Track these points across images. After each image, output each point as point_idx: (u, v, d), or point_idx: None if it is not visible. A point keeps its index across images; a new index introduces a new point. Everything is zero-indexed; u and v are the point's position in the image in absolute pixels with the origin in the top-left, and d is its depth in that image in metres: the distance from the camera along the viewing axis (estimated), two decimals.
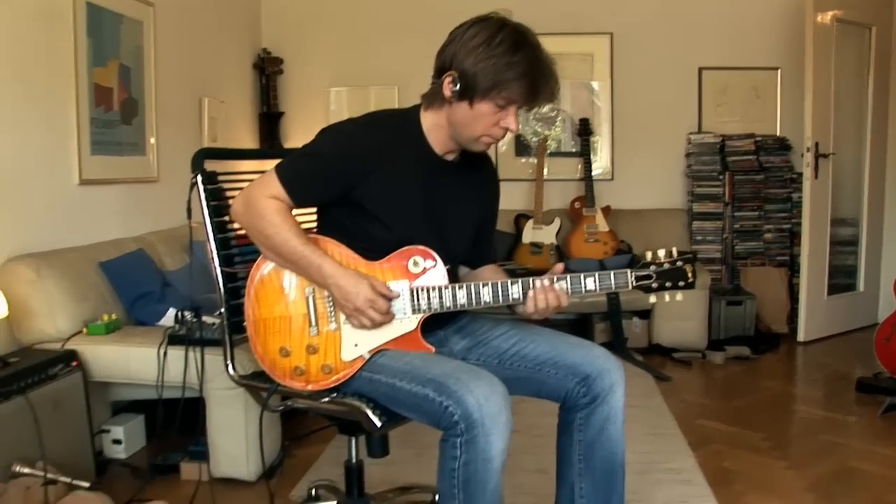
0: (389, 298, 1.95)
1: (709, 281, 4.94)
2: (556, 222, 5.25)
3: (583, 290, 1.97)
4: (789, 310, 5.27)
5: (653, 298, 2.02)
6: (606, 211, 5.29)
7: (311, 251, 1.94)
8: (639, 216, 5.43)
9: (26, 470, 2.47)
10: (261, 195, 1.95)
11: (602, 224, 5.22)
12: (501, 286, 1.97)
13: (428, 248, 1.98)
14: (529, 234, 5.21)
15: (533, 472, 3.01)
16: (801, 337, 5.04)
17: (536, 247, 5.15)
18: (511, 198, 5.50)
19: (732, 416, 3.70)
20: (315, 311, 1.99)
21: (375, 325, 1.94)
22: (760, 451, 3.24)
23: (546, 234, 5.21)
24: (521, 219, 5.28)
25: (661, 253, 2.00)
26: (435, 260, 1.98)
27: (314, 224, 2.16)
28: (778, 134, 5.53)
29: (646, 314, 4.94)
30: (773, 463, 3.11)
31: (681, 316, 4.80)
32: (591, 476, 2.07)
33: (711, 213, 5.46)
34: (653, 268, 1.99)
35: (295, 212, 2.02)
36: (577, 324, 5.10)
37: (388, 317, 1.95)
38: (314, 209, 2.16)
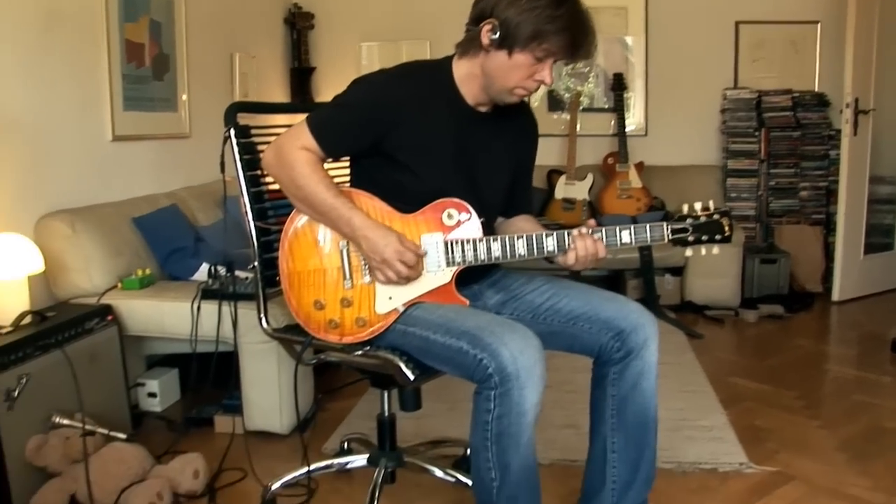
0: (417, 255, 1.95)
1: (742, 238, 4.90)
2: (589, 178, 5.22)
3: (618, 242, 1.96)
4: (824, 269, 5.20)
5: (689, 252, 2.00)
6: (640, 167, 5.25)
7: (342, 203, 1.94)
8: (672, 172, 5.37)
9: (65, 421, 2.53)
10: (292, 146, 1.95)
11: (635, 180, 5.18)
12: (536, 239, 1.96)
13: (462, 200, 1.98)
14: (562, 189, 5.19)
15: (564, 428, 3.02)
16: (835, 296, 4.99)
17: (569, 203, 5.13)
18: (543, 153, 5.32)
19: (765, 374, 3.68)
20: (349, 264, 2.00)
21: (402, 278, 1.94)
22: (793, 410, 3.22)
23: (578, 190, 5.18)
24: (553, 174, 5.25)
25: (698, 206, 1.98)
26: (469, 212, 1.98)
27: (347, 179, 2.17)
28: (816, 89, 5.42)
29: (678, 271, 4.91)
30: (805, 422, 3.10)
31: (714, 273, 4.78)
32: (623, 431, 2.08)
33: (746, 170, 5.39)
34: (689, 221, 1.96)
35: (329, 167, 2.02)
36: (609, 280, 5.08)
37: (415, 271, 1.95)
38: (347, 163, 2.17)
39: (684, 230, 1.97)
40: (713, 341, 4.26)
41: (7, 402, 2.35)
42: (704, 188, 5.28)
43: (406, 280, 1.95)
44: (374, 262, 1.94)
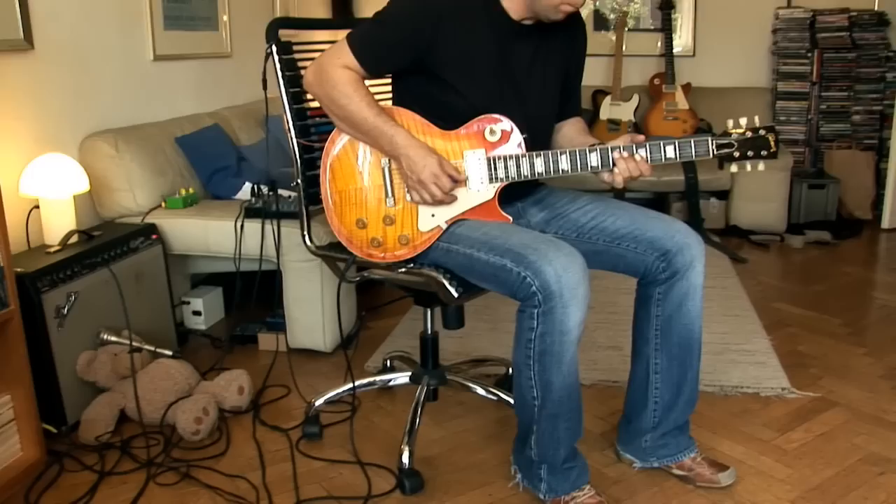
0: (455, 180, 1.94)
1: (791, 163, 4.80)
2: (635, 99, 5.14)
3: (662, 157, 1.93)
4: (874, 196, 5.10)
5: (734, 168, 1.98)
6: (686, 88, 5.14)
7: (384, 121, 1.92)
8: (720, 94, 5.26)
9: (113, 338, 2.59)
10: (333, 65, 1.94)
11: (682, 102, 5.09)
12: (580, 154, 1.94)
13: (505, 116, 1.95)
14: (607, 110, 5.12)
15: (606, 349, 3.02)
16: (885, 224, 4.91)
17: (614, 124, 5.06)
18: (588, 73, 5.24)
19: (810, 300, 3.65)
20: (391, 181, 1.99)
21: (435, 201, 1.94)
22: (837, 337, 3.19)
23: (624, 111, 5.10)
24: (598, 95, 5.18)
25: (743, 121, 1.94)
26: (512, 128, 1.95)
27: (389, 97, 2.15)
28: (875, 8, 5.23)
29: (724, 195, 4.84)
30: (849, 349, 3.07)
31: (760, 198, 4.72)
32: (667, 351, 2.08)
33: (797, 93, 5.26)
34: (734, 136, 1.93)
35: (371, 84, 2.00)
36: (653, 203, 5.01)
37: (449, 196, 1.94)
38: (389, 81, 2.14)
39: (730, 145, 1.94)
40: (758, 266, 4.22)
41: (57, 318, 2.41)
42: (753, 110, 5.05)
43: (438, 203, 1.95)
44: (411, 182, 1.94)
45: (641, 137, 1.97)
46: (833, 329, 3.28)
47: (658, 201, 5.00)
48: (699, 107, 5.15)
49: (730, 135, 1.94)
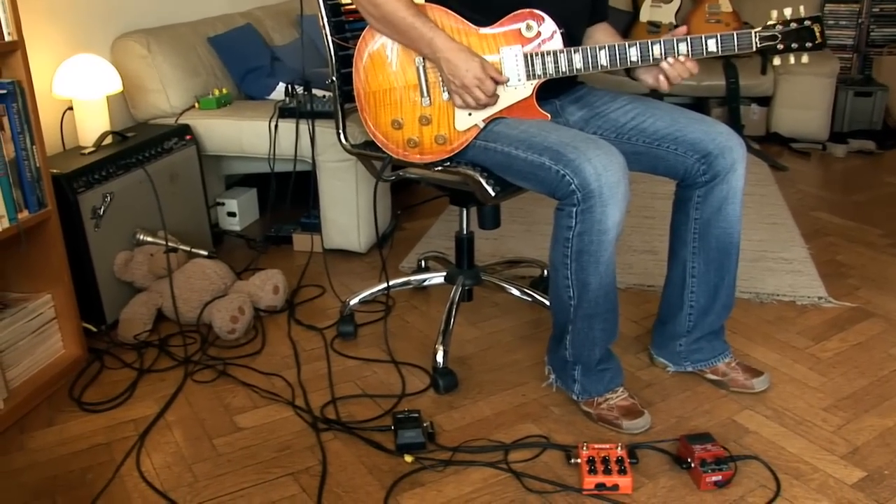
0: (498, 82, 1.91)
1: (837, 69, 4.65)
2: (676, 1, 4.99)
3: (703, 51, 1.88)
4: None
5: (777, 60, 1.92)
6: None
7: (423, 23, 1.88)
8: None
9: (149, 239, 2.62)
10: None
11: (725, 4, 4.94)
12: (619, 49, 1.89)
13: (541, 10, 1.90)
14: (647, 12, 4.99)
15: (643, 253, 3.01)
16: None
17: (654, 26, 4.93)
18: None
19: (850, 210, 3.59)
20: (426, 80, 1.96)
21: (479, 105, 1.91)
22: (877, 247, 3.15)
23: (665, 13, 4.97)
24: None
25: (788, 11, 1.88)
26: (550, 23, 1.90)
27: None
28: None
29: (765, 101, 4.74)
30: (889, 260, 3.03)
31: (803, 105, 4.62)
32: (704, 255, 2.06)
33: None
34: (779, 27, 1.88)
35: None
36: (692, 107, 4.90)
37: (493, 99, 1.91)
38: None
39: (773, 37, 1.88)
40: (798, 174, 4.15)
41: (94, 219, 2.43)
42: (805, 12, 5.00)
43: (483, 106, 1.92)
44: (454, 87, 1.91)
45: (684, 29, 1.92)
46: (873, 239, 3.24)
47: (698, 106, 4.91)
48: (743, 8, 5.00)
49: (774, 26, 1.88)
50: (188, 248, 2.65)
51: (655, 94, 4.50)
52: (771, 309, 2.61)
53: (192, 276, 2.54)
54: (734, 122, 4.64)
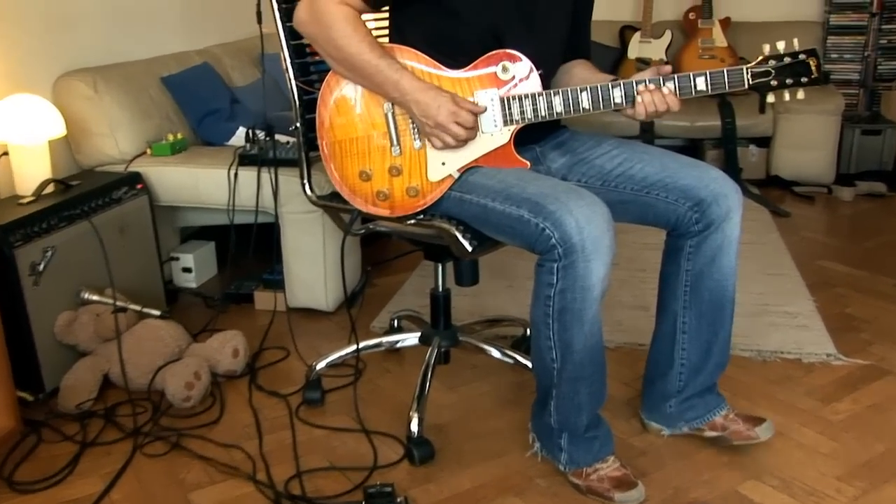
0: (474, 113, 1.94)
1: (842, 105, 4.73)
2: (667, 36, 5.11)
3: (692, 90, 1.93)
4: None
5: (771, 98, 1.96)
6: (725, 23, 5.11)
7: (388, 64, 1.92)
8: (763, 30, 5.15)
9: (95, 297, 2.61)
10: (328, 1, 1.93)
11: (719, 38, 5.05)
12: (602, 90, 1.94)
13: (517, 51, 1.95)
14: (636, 48, 5.10)
15: (633, 309, 3.05)
16: None
17: (644, 63, 5.02)
18: (615, 6, 5.35)
19: (860, 258, 3.64)
20: (396, 128, 2.00)
21: (460, 141, 1.93)
22: (890, 298, 3.18)
23: (655, 49, 5.08)
24: (626, 31, 5.15)
25: (781, 45, 1.93)
26: (526, 64, 1.95)
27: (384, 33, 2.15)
28: None
29: (764, 142, 4.82)
30: None
31: (805, 145, 4.69)
32: (696, 309, 2.10)
33: (852, 27, 5.18)
34: (771, 63, 1.93)
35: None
36: (686, 150, 4.97)
37: (472, 132, 1.94)
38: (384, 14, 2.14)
39: (766, 73, 1.93)
40: (802, 220, 4.21)
41: (32, 276, 2.42)
42: (802, 47, 5.10)
43: (464, 143, 1.95)
44: (428, 128, 1.94)
45: (668, 69, 1.96)
46: (885, 290, 3.27)
47: (691, 148, 4.98)
48: (739, 44, 5.10)
49: (766, 62, 1.93)
50: (138, 308, 2.64)
51: (645, 136, 4.58)
52: (775, 367, 2.63)
53: (143, 339, 2.54)
54: (731, 165, 4.70)
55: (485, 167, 1.99)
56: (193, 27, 3.89)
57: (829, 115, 4.67)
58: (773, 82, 1.94)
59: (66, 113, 2.88)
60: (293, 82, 2.22)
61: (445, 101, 1.90)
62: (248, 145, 3.03)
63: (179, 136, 3.17)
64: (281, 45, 2.21)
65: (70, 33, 3.16)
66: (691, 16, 5.15)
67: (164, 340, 2.55)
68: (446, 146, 1.95)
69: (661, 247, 2.15)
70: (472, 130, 1.94)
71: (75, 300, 2.60)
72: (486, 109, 1.95)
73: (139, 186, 2.93)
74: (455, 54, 1.97)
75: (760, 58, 1.94)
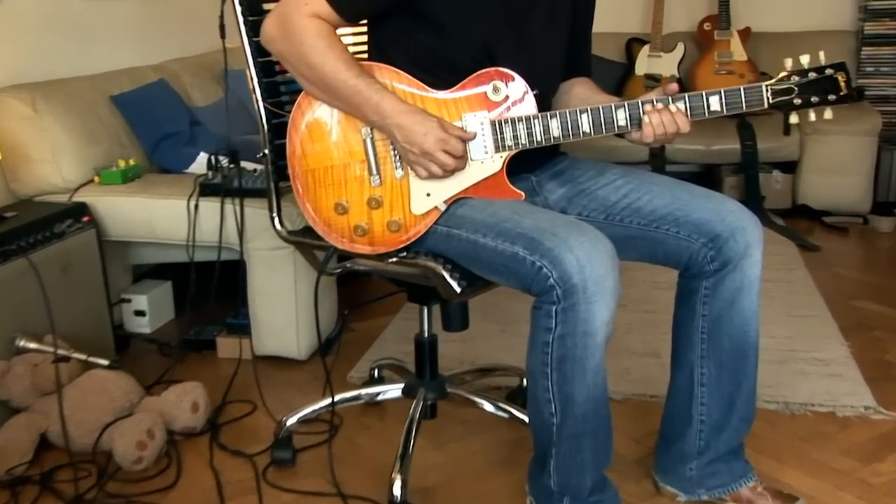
0: (464, 140, 1.95)
1: (879, 124, 4.75)
2: (679, 49, 5.16)
3: (705, 111, 1.95)
4: None
5: (794, 118, 1.98)
6: (745, 34, 5.15)
7: (367, 84, 1.94)
8: (788, 41, 5.21)
9: (33, 345, 2.61)
10: (299, 14, 1.94)
11: (738, 51, 5.09)
12: (604, 112, 1.96)
13: (510, 69, 1.97)
14: (644, 63, 5.14)
15: (643, 356, 3.08)
16: None
17: (653, 80, 5.07)
18: (621, 17, 5.39)
19: None
20: (375, 155, 2.01)
21: (448, 171, 1.95)
22: None
23: (665, 65, 5.13)
24: (633, 44, 5.20)
25: (805, 59, 1.94)
26: (521, 83, 1.97)
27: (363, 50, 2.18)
28: None
29: (790, 166, 4.85)
30: None
31: (837, 169, 4.72)
32: (715, 358, 2.11)
33: (890, 36, 5.20)
34: (794, 79, 1.94)
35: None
36: (701, 177, 5.05)
37: (462, 162, 1.96)
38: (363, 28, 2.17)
39: (788, 91, 1.94)
40: (833, 255, 4.24)
41: None
42: (832, 59, 5.13)
43: (451, 173, 1.97)
44: (412, 156, 1.95)
45: (675, 87, 1.98)
46: None
47: (707, 175, 5.02)
48: (761, 57, 5.15)
49: (789, 78, 1.94)
50: (83, 357, 2.63)
51: (655, 162, 4.60)
52: (805, 422, 2.64)
53: (88, 392, 2.53)
54: (753, 193, 4.73)
55: (475, 199, 2.00)
56: (148, 39, 3.92)
57: (863, 135, 4.71)
58: (797, 101, 1.95)
59: (0, 135, 2.89)
60: (261, 103, 2.23)
61: (433, 127, 1.92)
62: (209, 173, 3.05)
63: (132, 162, 3.19)
64: (247, 62, 2.23)
65: (5, 44, 3.17)
66: (706, 26, 5.20)
67: (113, 394, 2.55)
68: (432, 176, 1.96)
69: (674, 285, 2.16)
70: (462, 160, 1.95)
71: (9, 348, 2.60)
72: (475, 136, 1.97)
73: (85, 219, 2.94)
74: (441, 73, 1.99)
75: (782, 74, 1.95)
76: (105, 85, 3.41)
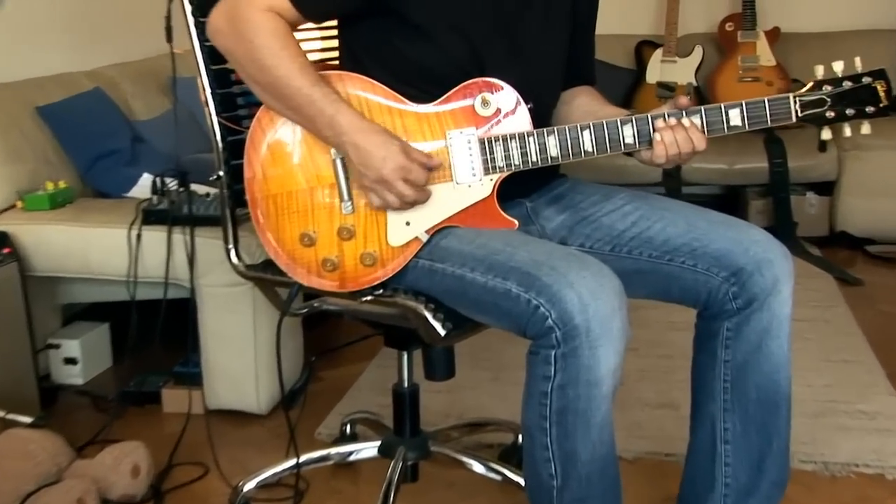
0: (429, 169, 1.95)
1: None
2: (697, 53, 5.19)
3: (724, 126, 1.96)
4: None
5: (827, 133, 1.98)
6: (773, 35, 5.19)
7: (322, 94, 1.93)
8: (824, 43, 5.26)
9: None
10: (252, 6, 1.93)
11: (766, 55, 5.12)
12: (609, 128, 1.97)
13: (501, 79, 1.98)
14: (657, 70, 5.17)
15: (656, 408, 3.09)
16: None
17: (667, 89, 5.10)
18: (630, 17, 5.44)
19: None
20: (347, 178, 2.01)
21: (405, 204, 1.94)
22: None
23: (681, 71, 5.16)
24: (644, 48, 5.24)
25: (839, 66, 1.94)
26: (512, 95, 1.98)
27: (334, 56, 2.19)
28: None
29: (826, 188, 4.87)
30: None
31: (881, 191, 4.74)
32: (741, 411, 2.10)
33: None
34: (826, 88, 1.94)
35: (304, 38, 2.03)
36: (723, 201, 5.05)
37: (423, 195, 1.95)
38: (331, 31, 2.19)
39: (820, 102, 1.95)
40: (878, 289, 4.25)
41: None
42: (872, 64, 5.14)
43: (410, 206, 1.97)
44: (367, 181, 1.94)
45: (686, 101, 1.97)
46: None
47: (730, 199, 5.03)
48: (791, 61, 5.18)
49: (820, 86, 1.95)
50: (2, 414, 2.63)
51: (670, 184, 4.61)
52: (848, 485, 2.65)
53: (7, 455, 2.51)
54: (783, 219, 4.75)
55: (461, 228, 2.00)
56: (82, 42, 3.92)
57: None
58: (830, 114, 1.95)
59: None
60: (214, 117, 2.24)
61: (394, 152, 1.91)
62: (154, 198, 3.05)
63: (62, 184, 3.19)
64: (198, 69, 2.24)
65: None
66: (729, 27, 5.23)
67: (37, 457, 2.51)
68: (387, 206, 1.96)
69: (691, 326, 2.16)
70: (424, 193, 1.95)
71: None
72: (453, 169, 1.98)
73: (6, 251, 2.94)
74: (422, 84, 2.00)
75: (812, 83, 1.95)
76: (29, 94, 3.42)
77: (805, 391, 2.85)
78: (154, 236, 2.98)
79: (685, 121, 1.95)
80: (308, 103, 1.94)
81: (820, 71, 1.96)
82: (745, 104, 1.94)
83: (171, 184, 3.08)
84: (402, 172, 1.91)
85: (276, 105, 2.00)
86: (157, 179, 3.10)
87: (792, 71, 5.14)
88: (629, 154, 2.03)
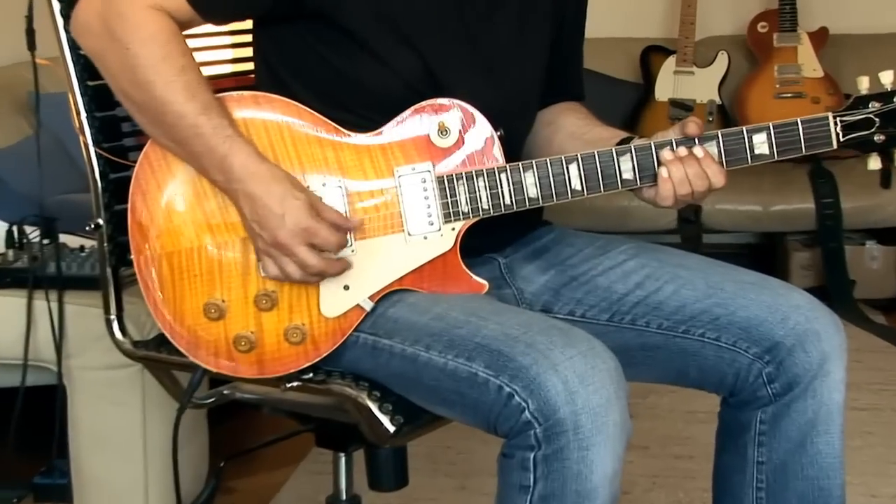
0: (345, 230, 1.93)
1: None
2: (721, 62, 5.24)
3: (747, 155, 1.97)
4: None
5: (875, 163, 2.01)
6: (820, 38, 5.24)
7: (214, 126, 1.89)
8: (880, 45, 5.34)
9: None
10: (133, 1, 1.90)
11: (809, 62, 5.17)
12: (602, 160, 1.97)
13: (463, 100, 1.98)
14: (669, 84, 5.21)
15: None
16: None
17: (683, 108, 5.13)
18: (635, 16, 5.53)
19: None
20: None
21: (310, 276, 1.92)
22: None
23: (700, 86, 5.19)
24: (653, 55, 5.29)
25: (887, 78, 1.95)
26: (478, 122, 1.98)
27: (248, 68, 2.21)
28: None
29: (892, 235, 4.92)
30: None
31: None
32: None
33: None
34: (873, 105, 1.96)
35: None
36: (756, 253, 5.09)
37: (337, 265, 1.93)
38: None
39: (865, 124, 1.97)
40: None
41: None
42: None
43: (318, 278, 1.94)
44: (261, 243, 1.91)
45: (696, 129, 1.96)
46: None
47: (766, 250, 5.07)
48: (842, 71, 5.23)
49: (866, 103, 1.97)
50: None
51: (687, 232, 4.63)
52: None
53: None
54: (836, 275, 4.77)
55: (415, 293, 2.00)
56: None
57: None
58: (878, 137, 1.97)
59: None
60: (92, 148, 2.23)
61: (296, 207, 1.87)
62: (10, 252, 3.06)
63: None
64: (70, 85, 2.23)
65: None
66: (762, 28, 5.28)
67: None
68: (286, 279, 1.94)
69: (714, 414, 2.18)
70: (335, 264, 1.93)
71: None
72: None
73: None
74: (361, 108, 2.01)
75: (853, 98, 1.97)
76: None
77: (861, 500, 2.87)
78: (9, 303, 2.98)
79: (697, 150, 1.95)
80: (194, 136, 1.90)
81: (864, 83, 1.97)
82: (773, 127, 1.95)
83: (33, 234, 3.08)
84: (305, 236, 1.88)
85: (156, 133, 1.96)
86: (14, 228, 3.10)
87: (844, 84, 5.18)
88: (632, 190, 2.02)
